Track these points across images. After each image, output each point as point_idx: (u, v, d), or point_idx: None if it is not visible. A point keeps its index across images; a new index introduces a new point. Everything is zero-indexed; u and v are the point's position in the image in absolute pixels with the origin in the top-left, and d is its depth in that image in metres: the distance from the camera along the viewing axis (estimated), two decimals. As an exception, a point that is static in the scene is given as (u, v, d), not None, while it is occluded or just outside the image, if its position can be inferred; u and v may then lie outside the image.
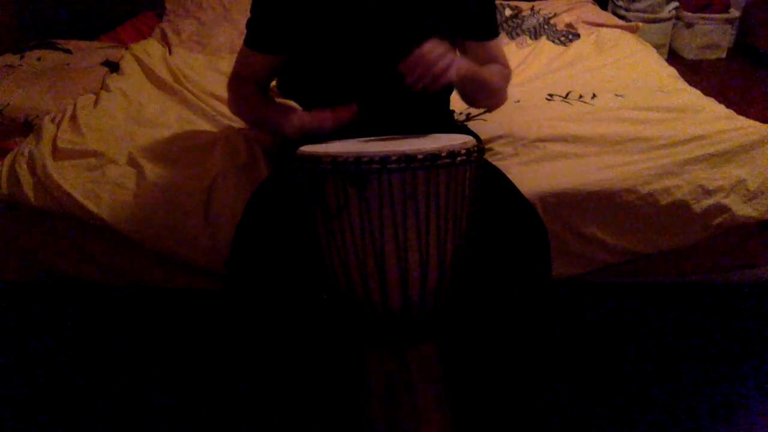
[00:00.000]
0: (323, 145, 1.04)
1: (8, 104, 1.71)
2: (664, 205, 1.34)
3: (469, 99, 1.33)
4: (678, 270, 1.44)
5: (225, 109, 1.65)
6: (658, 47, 2.84)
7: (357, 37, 1.22)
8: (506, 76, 1.35)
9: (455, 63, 1.07)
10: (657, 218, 1.35)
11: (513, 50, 2.25)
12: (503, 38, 2.31)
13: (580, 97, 1.73)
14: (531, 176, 1.35)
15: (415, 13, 1.22)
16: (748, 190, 1.36)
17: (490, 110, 1.53)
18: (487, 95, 1.32)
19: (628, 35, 2.30)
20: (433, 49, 1.03)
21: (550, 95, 1.76)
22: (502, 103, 1.38)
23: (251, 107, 1.33)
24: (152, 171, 1.41)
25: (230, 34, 2.32)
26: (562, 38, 2.30)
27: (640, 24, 2.58)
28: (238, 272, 1.09)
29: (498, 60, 1.34)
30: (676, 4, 3.60)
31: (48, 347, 1.50)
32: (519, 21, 2.47)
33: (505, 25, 2.44)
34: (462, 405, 1.10)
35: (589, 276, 1.40)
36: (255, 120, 1.38)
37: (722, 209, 1.35)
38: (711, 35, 3.64)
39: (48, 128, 1.55)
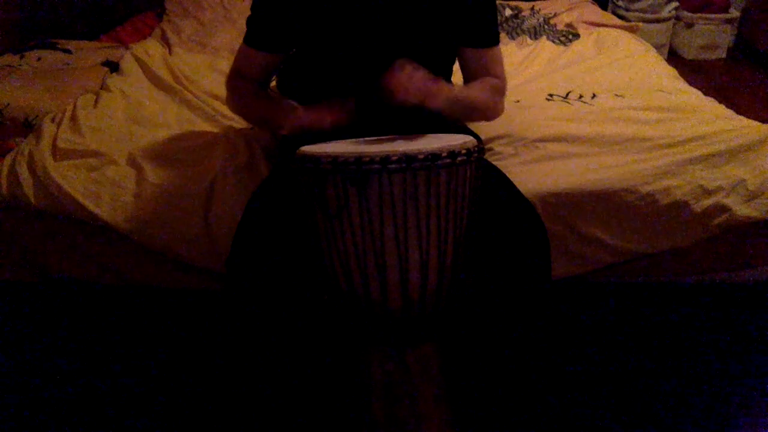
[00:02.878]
0: (323, 145, 1.04)
1: (8, 104, 1.71)
2: (664, 205, 1.34)
3: (457, 120, 1.31)
4: (678, 270, 1.44)
5: (225, 109, 1.65)
6: (658, 47, 2.85)
7: (357, 37, 1.22)
8: (499, 90, 1.31)
9: (437, 89, 1.06)
10: (657, 218, 1.35)
11: (513, 50, 2.25)
12: (503, 38, 2.31)
13: (580, 97, 1.73)
14: (531, 176, 1.35)
15: (415, 14, 1.22)
16: (748, 190, 1.36)
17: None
18: (475, 117, 1.32)
19: (628, 35, 2.30)
20: (408, 75, 1.02)
21: (550, 95, 1.76)
22: (497, 117, 1.34)
23: (250, 104, 1.33)
24: (152, 171, 1.41)
25: (230, 34, 2.32)
26: (562, 38, 2.30)
27: (640, 24, 2.59)
28: (238, 272, 1.09)
29: (494, 70, 1.31)
30: (676, 4, 3.60)
31: (48, 347, 1.50)
32: (519, 21, 2.47)
33: (505, 25, 2.44)
34: (462, 405, 1.10)
35: (589, 276, 1.40)
36: (254, 117, 1.38)
37: (722, 209, 1.35)
38: (711, 35, 3.64)
39: (48, 128, 1.55)
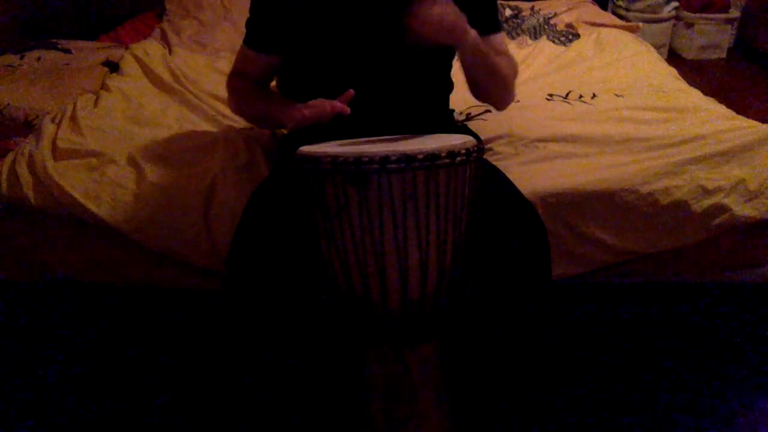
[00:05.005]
0: (323, 145, 1.04)
1: (8, 104, 1.71)
2: (664, 205, 1.34)
3: (478, 87, 1.27)
4: (678, 270, 1.44)
5: (225, 109, 1.65)
6: (658, 47, 2.84)
7: (357, 37, 1.22)
8: (514, 66, 1.30)
9: (467, 27, 1.07)
10: (657, 218, 1.35)
11: (513, 50, 2.24)
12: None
13: (580, 97, 1.73)
14: (531, 176, 1.35)
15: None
16: (748, 190, 1.36)
17: (498, 107, 1.39)
18: (496, 83, 1.25)
19: (628, 35, 2.30)
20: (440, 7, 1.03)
21: (550, 95, 1.76)
22: (511, 100, 1.32)
23: (251, 103, 1.33)
24: (152, 171, 1.41)
25: (230, 34, 2.32)
26: (562, 38, 2.30)
27: (640, 24, 2.59)
28: (238, 272, 1.09)
29: (504, 52, 1.30)
30: (676, 4, 3.60)
31: (48, 347, 1.50)
32: (519, 21, 2.47)
33: (505, 25, 2.44)
34: (462, 405, 1.10)
35: (589, 276, 1.40)
36: (255, 116, 1.38)
37: (722, 209, 1.35)
38: (711, 35, 3.64)
39: (48, 128, 1.55)
